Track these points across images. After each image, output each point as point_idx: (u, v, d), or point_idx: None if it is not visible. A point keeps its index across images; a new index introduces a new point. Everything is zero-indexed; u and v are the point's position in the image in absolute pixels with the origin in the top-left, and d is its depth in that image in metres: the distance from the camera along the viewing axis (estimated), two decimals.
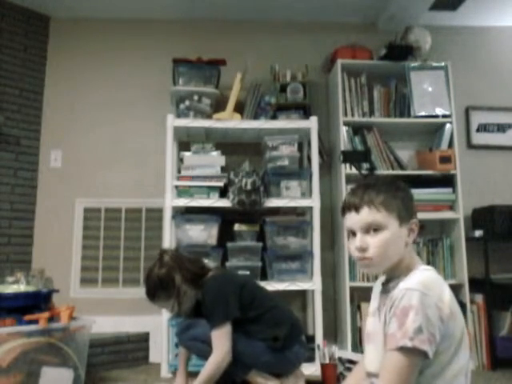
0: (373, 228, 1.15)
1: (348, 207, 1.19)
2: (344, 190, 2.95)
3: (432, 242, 3.03)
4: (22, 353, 2.02)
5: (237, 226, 2.85)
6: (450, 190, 3.04)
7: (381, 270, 1.23)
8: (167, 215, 2.73)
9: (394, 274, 1.19)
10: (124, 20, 3.36)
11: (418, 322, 1.02)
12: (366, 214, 1.16)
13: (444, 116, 3.10)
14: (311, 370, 2.60)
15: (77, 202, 3.15)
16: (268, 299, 2.09)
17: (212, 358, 1.90)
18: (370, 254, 1.15)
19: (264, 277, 2.75)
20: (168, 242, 2.70)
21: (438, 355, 1.06)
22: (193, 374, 2.56)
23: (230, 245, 2.79)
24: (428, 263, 2.98)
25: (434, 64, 3.17)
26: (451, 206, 3.05)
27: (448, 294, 1.10)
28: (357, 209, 1.17)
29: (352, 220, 1.18)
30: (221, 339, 1.90)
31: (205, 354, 1.95)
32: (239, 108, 2.97)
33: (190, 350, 2.13)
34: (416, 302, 1.04)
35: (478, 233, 2.99)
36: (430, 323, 1.03)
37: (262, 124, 2.90)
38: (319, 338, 2.64)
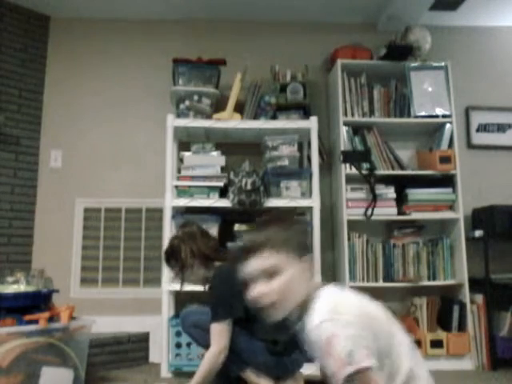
0: (270, 273, 1.10)
1: (244, 253, 1.14)
2: (344, 190, 2.95)
3: (432, 242, 3.03)
4: (21, 353, 2.02)
5: (237, 226, 2.85)
6: (450, 189, 3.04)
7: (286, 314, 1.15)
8: (167, 215, 2.73)
9: (302, 313, 1.13)
10: (124, 20, 3.36)
11: (346, 345, 1.00)
12: (262, 260, 1.11)
13: (444, 116, 3.10)
14: (311, 369, 2.60)
15: (77, 202, 3.15)
16: None
17: (208, 354, 1.91)
18: (270, 301, 1.11)
19: None
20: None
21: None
22: (192, 375, 2.56)
23: (229, 245, 2.79)
24: (428, 263, 2.99)
25: (434, 64, 3.17)
26: (451, 206, 3.05)
27: (354, 304, 1.09)
28: (252, 255, 1.12)
29: (249, 267, 1.13)
30: (219, 335, 1.91)
31: (204, 344, 1.97)
32: (239, 108, 2.97)
33: (191, 337, 2.14)
34: (332, 330, 1.01)
35: (478, 233, 2.99)
36: (356, 340, 1.01)
37: (262, 124, 2.90)
38: None
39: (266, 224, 1.18)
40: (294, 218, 1.27)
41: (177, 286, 2.61)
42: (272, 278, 1.10)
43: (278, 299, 1.10)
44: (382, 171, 3.03)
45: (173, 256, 2.06)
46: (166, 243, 2.65)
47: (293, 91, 3.01)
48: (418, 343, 2.79)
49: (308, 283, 1.14)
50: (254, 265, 1.12)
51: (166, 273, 2.67)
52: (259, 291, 1.11)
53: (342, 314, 1.04)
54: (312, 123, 2.88)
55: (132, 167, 3.21)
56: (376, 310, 1.13)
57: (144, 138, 3.24)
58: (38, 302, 2.21)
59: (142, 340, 2.91)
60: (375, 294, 3.21)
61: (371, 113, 3.13)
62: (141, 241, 3.13)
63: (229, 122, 2.87)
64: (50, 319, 2.13)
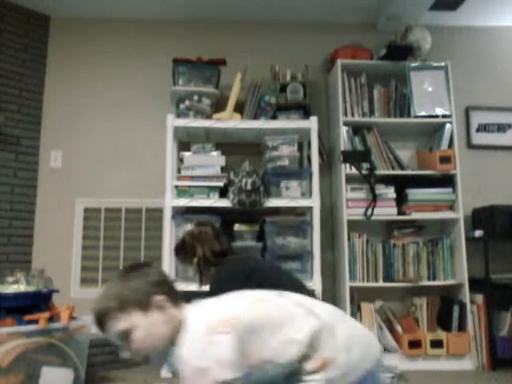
0: (126, 334, 1.10)
1: (98, 322, 1.14)
2: (344, 190, 2.95)
3: (432, 241, 3.03)
4: (21, 353, 2.02)
5: (237, 226, 2.85)
6: (450, 189, 3.04)
7: (167, 352, 1.15)
8: (167, 215, 2.73)
9: (174, 345, 1.12)
10: (124, 20, 3.36)
11: (202, 364, 1.00)
12: (110, 328, 1.12)
13: (444, 116, 3.10)
14: None
15: (77, 202, 3.15)
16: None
17: None
18: (144, 353, 1.13)
19: None
20: (168, 241, 2.70)
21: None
22: None
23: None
24: (428, 263, 2.99)
25: (434, 64, 3.17)
26: (451, 206, 3.05)
27: (226, 311, 1.09)
28: (104, 323, 1.13)
29: (108, 335, 1.14)
30: None
31: None
32: (239, 108, 2.97)
33: None
34: (198, 365, 1.01)
35: (478, 233, 2.99)
36: (214, 361, 1.00)
37: (262, 124, 2.90)
38: None
39: (106, 287, 1.17)
40: (128, 268, 1.24)
41: (179, 286, 2.58)
42: (129, 337, 1.10)
43: (147, 350, 1.12)
44: (382, 171, 3.03)
45: (180, 252, 2.08)
46: (167, 241, 2.68)
47: (293, 91, 3.01)
48: (418, 343, 2.79)
49: (170, 318, 1.13)
50: (110, 333, 1.13)
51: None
52: (128, 350, 1.12)
53: (199, 340, 1.03)
54: (312, 123, 2.88)
55: (132, 167, 3.21)
56: (261, 306, 1.12)
57: (144, 138, 3.24)
58: (38, 302, 2.21)
59: None
60: (375, 294, 3.20)
61: (371, 113, 3.13)
62: (141, 241, 3.13)
63: (229, 121, 2.87)
64: (50, 319, 2.13)
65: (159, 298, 1.13)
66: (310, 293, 2.05)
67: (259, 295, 1.18)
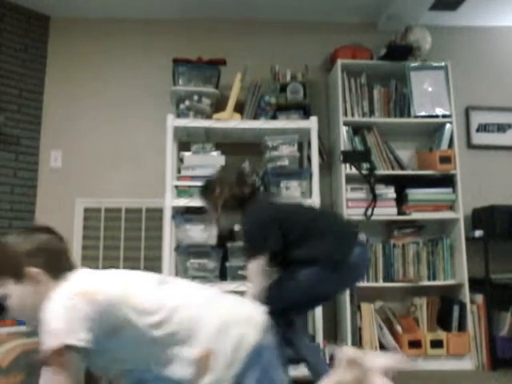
0: (3, 300, 1.14)
1: None
2: (344, 189, 2.95)
3: (432, 242, 3.04)
4: (22, 353, 2.01)
5: (237, 226, 2.85)
6: (450, 189, 3.04)
7: (31, 322, 1.19)
8: (167, 215, 2.73)
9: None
10: (124, 20, 3.36)
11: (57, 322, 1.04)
12: None
13: (444, 116, 3.10)
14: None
15: (77, 202, 3.15)
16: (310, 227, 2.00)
17: (247, 296, 1.87)
18: (20, 316, 1.19)
19: None
20: (168, 241, 2.70)
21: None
22: None
23: (229, 245, 2.79)
24: (428, 263, 2.99)
25: (434, 64, 3.17)
26: (451, 206, 3.05)
27: (89, 285, 1.13)
28: None
29: None
30: (255, 273, 1.89)
31: None
32: (239, 108, 2.97)
33: None
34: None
35: (478, 233, 2.99)
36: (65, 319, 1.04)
37: (262, 124, 2.90)
38: (319, 338, 2.63)
39: None
40: (29, 230, 1.28)
41: None
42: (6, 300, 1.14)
43: (22, 316, 1.18)
44: (382, 171, 3.03)
45: (205, 194, 2.11)
46: (167, 241, 2.68)
47: (293, 91, 3.01)
48: (418, 343, 2.79)
49: (44, 290, 1.14)
50: None
51: (166, 273, 2.67)
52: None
53: (66, 303, 1.08)
54: (312, 123, 2.88)
55: (132, 167, 3.21)
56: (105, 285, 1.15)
57: (144, 138, 3.24)
58: None
59: None
60: (375, 293, 3.20)
61: (371, 113, 3.13)
62: (141, 241, 3.13)
63: (229, 122, 2.87)
64: None
65: (33, 271, 1.15)
66: (353, 226, 2.11)
67: (130, 279, 1.21)
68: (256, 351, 1.12)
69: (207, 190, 2.11)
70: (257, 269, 1.90)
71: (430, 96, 3.12)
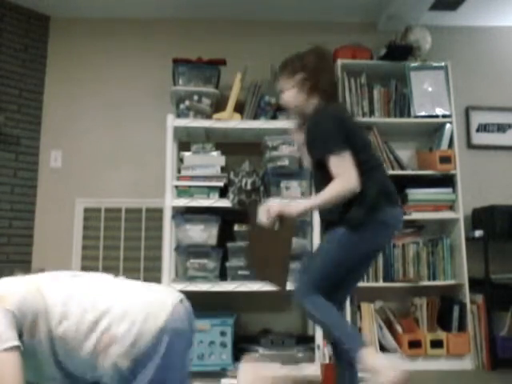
0: None
1: None
2: None
3: (432, 242, 3.03)
4: None
5: (237, 226, 2.85)
6: (450, 189, 3.04)
7: None
8: (167, 215, 2.73)
9: None
10: (124, 20, 3.36)
11: None
12: None
13: (444, 116, 3.10)
14: (311, 369, 2.61)
15: (77, 202, 3.15)
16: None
17: (338, 182, 1.67)
18: None
19: None
20: (168, 241, 2.71)
21: None
22: (192, 375, 2.56)
23: (230, 245, 2.79)
24: (428, 263, 2.99)
25: (434, 64, 3.17)
26: (451, 206, 3.05)
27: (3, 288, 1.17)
28: None
29: None
30: (344, 164, 1.67)
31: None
32: (239, 108, 2.97)
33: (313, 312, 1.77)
34: None
35: (478, 233, 2.99)
36: None
37: (262, 124, 2.90)
38: (319, 338, 2.64)
39: None
40: None
41: (179, 286, 2.63)
42: None
43: None
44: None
45: (291, 65, 1.98)
46: (167, 241, 2.68)
47: None
48: (418, 343, 2.79)
49: None
50: None
51: (166, 273, 2.67)
52: None
53: None
54: None
55: (132, 167, 3.21)
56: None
57: (144, 138, 3.24)
58: None
59: None
60: (375, 294, 3.20)
61: (371, 113, 3.13)
62: (141, 241, 3.13)
63: (229, 122, 2.87)
64: None
65: None
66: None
67: (44, 283, 1.24)
68: (159, 336, 1.16)
69: (302, 62, 1.97)
70: (344, 160, 1.68)
71: (430, 96, 3.11)
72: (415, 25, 3.18)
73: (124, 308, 1.19)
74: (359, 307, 2.88)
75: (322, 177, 1.77)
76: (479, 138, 3.35)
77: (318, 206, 1.80)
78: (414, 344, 2.78)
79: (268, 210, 1.74)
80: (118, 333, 1.16)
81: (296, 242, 2.81)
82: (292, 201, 1.89)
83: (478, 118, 3.37)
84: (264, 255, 1.80)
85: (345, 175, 1.68)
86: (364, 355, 1.61)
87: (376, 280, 2.93)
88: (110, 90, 3.29)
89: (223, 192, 2.81)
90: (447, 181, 3.05)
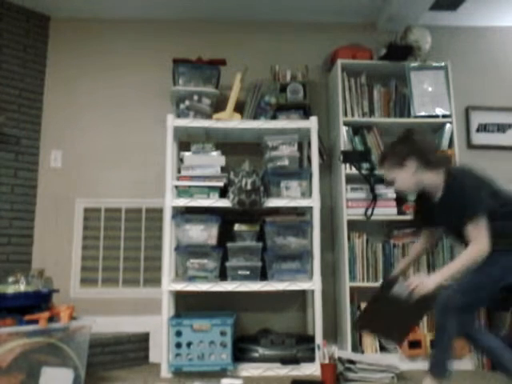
0: None
1: None
2: (344, 190, 2.95)
3: None
4: (21, 353, 2.02)
5: (237, 226, 2.85)
6: None
7: None
8: (167, 215, 2.73)
9: None
10: (124, 20, 3.36)
11: None
12: None
13: (444, 116, 3.10)
14: (311, 369, 2.61)
15: (77, 202, 3.15)
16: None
17: (472, 248, 1.89)
18: None
19: (264, 277, 2.74)
20: (168, 241, 2.71)
21: None
22: (192, 375, 2.56)
23: (229, 245, 2.79)
24: (428, 263, 2.98)
25: (434, 64, 3.17)
26: None
27: None
28: None
29: None
30: (480, 231, 1.89)
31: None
32: (239, 108, 2.97)
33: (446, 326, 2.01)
34: None
35: None
36: None
37: (262, 124, 2.90)
38: (319, 338, 2.64)
39: None
40: None
41: (179, 286, 2.63)
42: None
43: None
44: (382, 171, 3.02)
45: (392, 155, 2.15)
46: (167, 241, 2.68)
47: (293, 91, 3.01)
48: (418, 343, 2.79)
49: None
50: None
51: (166, 273, 2.67)
52: None
53: None
54: (312, 123, 2.88)
55: (132, 167, 3.21)
56: None
57: (144, 138, 3.24)
58: (37, 302, 2.21)
59: (142, 340, 2.90)
60: None
61: (371, 113, 3.13)
62: (141, 241, 3.13)
63: (229, 122, 2.87)
64: (50, 319, 2.13)
65: None
66: None
67: None
68: None
69: (399, 150, 2.12)
70: (480, 227, 1.89)
71: (430, 96, 3.12)
72: (415, 25, 3.19)
73: None
74: (359, 307, 2.88)
75: (458, 234, 2.03)
76: (479, 138, 3.35)
77: (453, 274, 1.96)
78: (414, 344, 2.78)
79: (416, 286, 1.98)
80: None
81: (296, 242, 2.82)
82: (427, 276, 2.07)
83: (477, 118, 3.37)
84: (389, 317, 2.02)
85: (482, 240, 1.89)
86: None
87: (376, 280, 2.93)
88: (110, 90, 3.29)
89: (223, 192, 2.81)
90: None
